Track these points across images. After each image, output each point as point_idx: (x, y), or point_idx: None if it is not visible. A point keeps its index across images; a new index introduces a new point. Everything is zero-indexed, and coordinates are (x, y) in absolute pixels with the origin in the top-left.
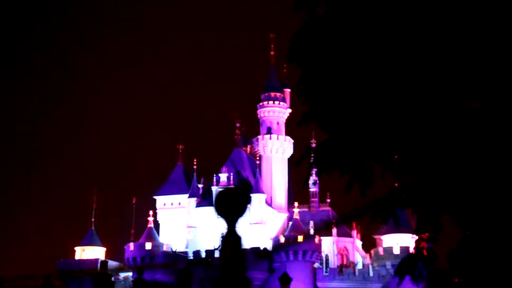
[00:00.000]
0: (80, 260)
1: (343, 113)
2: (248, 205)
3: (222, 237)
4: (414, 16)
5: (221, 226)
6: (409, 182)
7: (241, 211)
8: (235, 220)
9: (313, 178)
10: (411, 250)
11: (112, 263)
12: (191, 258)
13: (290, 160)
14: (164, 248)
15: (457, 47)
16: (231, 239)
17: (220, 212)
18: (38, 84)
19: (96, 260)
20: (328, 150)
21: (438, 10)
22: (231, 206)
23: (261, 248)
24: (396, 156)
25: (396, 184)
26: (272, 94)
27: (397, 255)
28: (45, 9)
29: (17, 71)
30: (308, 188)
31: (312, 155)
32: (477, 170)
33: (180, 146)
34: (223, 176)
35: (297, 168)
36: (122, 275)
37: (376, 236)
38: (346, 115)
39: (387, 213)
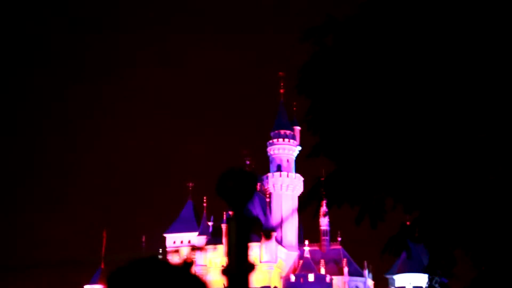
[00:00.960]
0: None
1: (352, 145)
2: (255, 189)
3: (228, 219)
4: (422, 49)
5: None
6: (420, 215)
7: (248, 194)
8: (242, 205)
9: (323, 210)
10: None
11: None
12: None
13: (300, 198)
14: None
15: (464, 74)
16: (236, 222)
17: (224, 195)
18: (47, 122)
19: None
20: (338, 182)
21: (444, 43)
22: (236, 188)
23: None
24: (407, 190)
25: (408, 218)
26: (282, 131)
27: None
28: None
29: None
30: (319, 225)
31: (323, 190)
32: (490, 203)
33: (190, 184)
34: None
35: (307, 205)
36: None
37: (388, 276)
38: (356, 147)
39: (399, 247)
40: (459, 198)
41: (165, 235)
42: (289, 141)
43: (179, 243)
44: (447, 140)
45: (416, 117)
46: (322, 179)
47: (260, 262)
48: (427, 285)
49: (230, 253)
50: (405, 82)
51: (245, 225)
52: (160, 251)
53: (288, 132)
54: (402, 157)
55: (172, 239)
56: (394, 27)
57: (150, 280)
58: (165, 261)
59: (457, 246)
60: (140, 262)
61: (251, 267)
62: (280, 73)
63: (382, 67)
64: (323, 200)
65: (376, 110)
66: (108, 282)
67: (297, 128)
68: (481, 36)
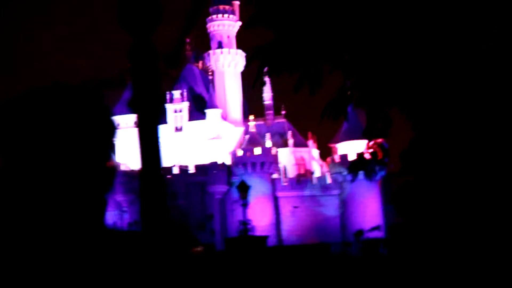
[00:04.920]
0: None
1: (290, 11)
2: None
3: (131, 46)
4: None
5: (178, 143)
6: (358, 78)
7: (155, 19)
8: (147, 32)
9: (263, 81)
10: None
11: None
12: None
13: (243, 74)
14: (123, 168)
15: None
16: (141, 49)
17: (126, 25)
18: None
19: None
20: (276, 50)
21: None
22: (141, 15)
23: (219, 163)
24: (346, 56)
25: (347, 82)
26: (221, 7)
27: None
28: None
29: None
30: (263, 100)
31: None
32: (428, 58)
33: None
34: (176, 93)
35: (250, 81)
36: None
37: (331, 145)
38: (293, 12)
39: (337, 110)
40: (396, 54)
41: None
42: (228, 17)
43: (124, 125)
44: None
45: None
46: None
47: (207, 139)
48: (366, 147)
49: (136, 88)
50: None
51: (156, 54)
52: None
53: (227, 7)
54: (339, 18)
55: (117, 121)
56: None
57: (43, 110)
58: (69, 87)
59: (393, 104)
60: (36, 91)
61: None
62: None
63: None
64: (262, 68)
65: None
66: None
67: (236, 2)
68: None
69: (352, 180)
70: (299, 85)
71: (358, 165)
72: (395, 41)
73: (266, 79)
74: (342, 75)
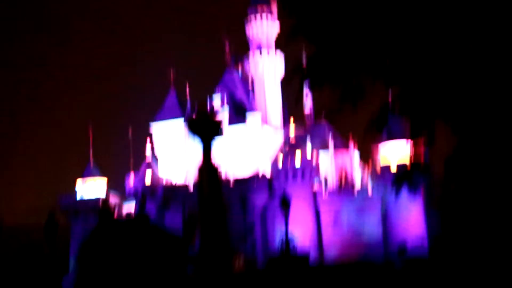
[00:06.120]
0: (82, 200)
1: (330, 22)
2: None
3: (198, 169)
4: None
5: (219, 148)
6: (402, 89)
7: (215, 129)
8: (211, 139)
9: (305, 92)
10: (408, 162)
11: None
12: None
13: (282, 79)
14: (164, 182)
15: None
16: (207, 170)
17: (194, 130)
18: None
19: (98, 199)
20: (319, 63)
21: None
22: (205, 123)
23: (260, 175)
24: (387, 61)
25: (389, 93)
26: (259, 7)
27: (394, 173)
28: None
29: None
30: (302, 105)
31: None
32: (471, 73)
33: (171, 70)
34: (217, 98)
35: (290, 86)
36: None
37: (373, 145)
38: (333, 24)
39: (381, 122)
40: (440, 67)
41: (151, 123)
42: (266, 17)
43: (165, 131)
44: (430, 11)
45: None
46: (304, 66)
47: (248, 143)
48: (410, 158)
49: (202, 202)
50: None
51: (217, 172)
52: (148, 140)
53: (265, 6)
54: (382, 28)
55: (158, 127)
56: None
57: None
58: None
59: (436, 116)
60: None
61: (225, 211)
62: None
63: None
64: (304, 80)
65: None
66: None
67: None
68: None
69: (396, 194)
70: (343, 100)
71: (401, 179)
72: (437, 50)
73: (308, 87)
74: (384, 84)
